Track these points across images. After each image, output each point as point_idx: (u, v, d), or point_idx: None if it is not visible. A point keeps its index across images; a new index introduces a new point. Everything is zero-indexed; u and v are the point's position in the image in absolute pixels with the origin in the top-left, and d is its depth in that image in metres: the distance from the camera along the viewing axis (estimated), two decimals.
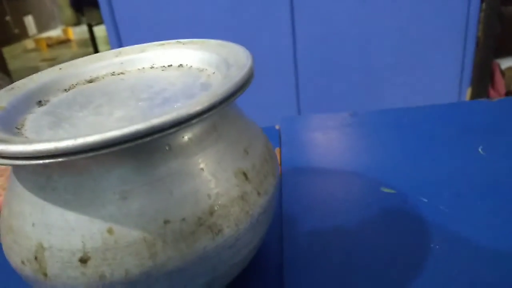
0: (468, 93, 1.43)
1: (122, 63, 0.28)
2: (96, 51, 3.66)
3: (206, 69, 0.25)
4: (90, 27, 3.48)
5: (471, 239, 0.26)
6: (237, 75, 0.20)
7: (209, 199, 0.19)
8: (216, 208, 0.19)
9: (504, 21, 1.38)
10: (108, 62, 0.28)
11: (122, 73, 0.27)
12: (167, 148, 0.18)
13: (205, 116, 0.17)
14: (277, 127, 0.45)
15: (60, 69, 0.26)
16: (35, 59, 4.01)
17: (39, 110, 0.23)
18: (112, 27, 1.36)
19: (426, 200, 0.30)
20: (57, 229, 0.17)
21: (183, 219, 0.18)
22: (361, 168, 0.35)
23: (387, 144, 0.39)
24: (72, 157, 0.15)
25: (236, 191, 0.20)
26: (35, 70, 3.69)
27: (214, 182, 0.19)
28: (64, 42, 4.54)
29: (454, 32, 1.35)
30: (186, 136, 0.19)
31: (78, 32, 4.70)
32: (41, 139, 0.16)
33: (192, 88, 0.23)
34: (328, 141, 0.41)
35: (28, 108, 0.23)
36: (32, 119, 0.22)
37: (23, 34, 4.51)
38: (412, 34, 1.35)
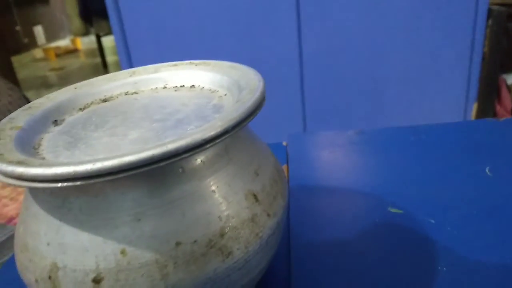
0: (474, 108, 1.43)
1: (135, 83, 0.28)
2: (104, 61, 3.69)
3: (218, 91, 0.26)
4: (98, 38, 3.52)
5: (478, 262, 0.26)
6: (249, 99, 0.20)
7: (220, 221, 0.19)
8: (227, 230, 0.19)
9: (510, 36, 1.38)
10: (122, 82, 0.28)
11: (135, 92, 0.28)
12: (180, 171, 0.19)
13: (218, 140, 0.18)
14: (284, 143, 0.46)
15: (75, 88, 0.27)
16: (44, 68, 4.06)
17: (55, 129, 0.23)
18: (121, 38, 1.38)
19: (433, 221, 0.30)
20: (72, 249, 0.18)
21: (195, 241, 0.18)
22: (368, 187, 0.36)
23: (394, 163, 0.39)
24: (90, 181, 0.15)
25: (246, 213, 0.20)
26: (44, 79, 3.73)
27: (225, 204, 0.20)
28: (72, 51, 4.59)
29: (460, 48, 1.36)
30: (199, 159, 0.19)
31: (87, 42, 4.75)
32: (59, 162, 0.16)
33: (204, 110, 0.23)
34: (335, 159, 0.41)
35: (44, 127, 0.23)
36: (49, 139, 0.22)
37: (32, 43, 4.57)
38: (419, 49, 1.36)
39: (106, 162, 0.15)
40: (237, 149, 0.22)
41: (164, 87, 0.28)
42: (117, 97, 0.27)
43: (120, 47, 1.39)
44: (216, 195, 0.20)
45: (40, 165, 0.16)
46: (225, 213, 0.19)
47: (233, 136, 0.21)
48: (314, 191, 0.36)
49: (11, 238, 0.52)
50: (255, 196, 0.21)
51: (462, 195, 0.33)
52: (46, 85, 3.43)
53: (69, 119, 0.25)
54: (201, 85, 0.27)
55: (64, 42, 4.90)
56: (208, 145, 0.17)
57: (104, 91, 0.27)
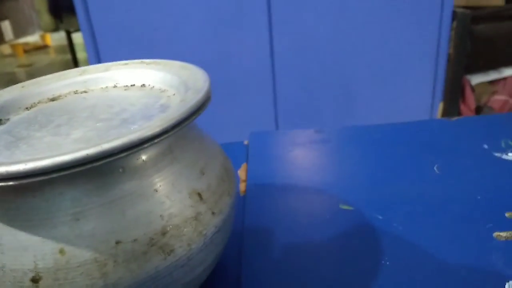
0: (440, 107, 1.47)
1: (85, 81, 0.28)
2: (74, 57, 3.61)
3: (167, 90, 0.26)
4: (68, 34, 3.44)
5: (421, 256, 0.28)
6: (192, 98, 0.21)
7: (162, 220, 0.20)
8: (168, 229, 0.20)
9: (475, 39, 1.43)
10: (71, 80, 0.28)
11: (85, 91, 0.28)
12: (120, 170, 0.19)
13: (157, 140, 0.18)
14: (245, 142, 0.46)
15: (22, 87, 0.27)
16: (11, 65, 3.94)
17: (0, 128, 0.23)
18: (89, 34, 1.36)
19: (381, 217, 0.31)
20: (10, 249, 0.18)
21: (135, 240, 0.19)
22: (322, 184, 0.37)
23: (348, 161, 0.40)
24: (23, 181, 0.16)
25: (190, 212, 0.21)
26: (11, 75, 3.62)
27: (168, 203, 0.20)
28: (41, 48, 4.47)
29: (426, 49, 1.39)
30: (141, 158, 0.20)
31: (56, 39, 4.64)
32: None
33: (151, 110, 0.24)
34: (293, 157, 0.42)
35: None
36: None
37: (0, 39, 4.43)
38: (387, 50, 1.39)
39: (39, 162, 0.16)
40: (182, 148, 0.22)
41: (115, 86, 0.28)
42: (66, 96, 0.27)
43: (89, 44, 1.36)
44: (159, 194, 0.20)
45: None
46: (167, 212, 0.20)
47: (177, 135, 0.21)
48: (271, 189, 0.37)
49: None
50: (199, 194, 0.22)
51: (410, 192, 0.34)
52: (14, 82, 3.32)
53: (14, 118, 0.25)
54: (151, 85, 0.27)
55: (33, 38, 4.77)
56: (146, 145, 0.18)
57: (53, 90, 0.27)
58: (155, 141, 0.18)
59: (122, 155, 0.17)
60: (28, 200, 0.18)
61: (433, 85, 1.43)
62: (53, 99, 0.27)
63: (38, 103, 0.27)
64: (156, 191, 0.20)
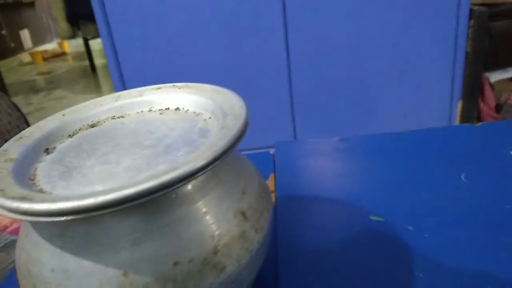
0: (459, 106, 1.46)
1: (121, 107, 0.30)
2: (92, 64, 3.68)
3: (202, 113, 0.28)
4: (86, 41, 3.51)
5: (452, 267, 0.28)
6: (235, 125, 0.22)
7: (213, 240, 0.21)
8: (219, 248, 0.21)
9: (492, 36, 1.42)
10: (108, 106, 0.30)
11: (122, 116, 0.29)
12: (173, 196, 0.20)
13: (208, 168, 0.19)
14: (271, 152, 0.47)
15: (63, 115, 0.28)
16: (31, 73, 4.03)
17: (47, 158, 0.25)
18: (108, 41, 1.38)
19: (412, 228, 0.32)
20: (75, 275, 0.19)
21: (191, 260, 0.20)
22: (351, 194, 0.38)
23: (374, 170, 0.41)
24: (92, 214, 0.17)
25: (236, 231, 0.22)
26: (31, 83, 3.70)
27: (216, 224, 0.21)
28: (59, 55, 4.56)
29: (444, 48, 1.39)
30: (190, 185, 0.21)
31: (74, 46, 4.72)
32: (62, 196, 0.18)
33: (191, 134, 0.25)
34: (320, 167, 0.43)
35: (37, 156, 0.24)
36: (43, 169, 0.23)
37: (19, 47, 4.53)
38: (404, 50, 1.39)
39: (107, 195, 0.17)
40: (225, 171, 0.23)
41: (150, 110, 0.29)
42: (104, 122, 0.29)
43: (108, 51, 1.39)
44: (207, 216, 0.21)
45: (44, 201, 0.17)
46: (217, 232, 0.21)
47: (221, 161, 0.23)
48: (300, 200, 0.38)
49: (5, 246, 0.52)
50: (243, 214, 0.23)
51: (438, 202, 0.35)
52: (34, 90, 3.41)
53: (59, 146, 0.26)
54: (186, 108, 0.29)
55: (51, 46, 4.87)
56: (199, 174, 0.19)
57: (91, 116, 0.29)
58: (207, 169, 0.19)
59: (180, 184, 0.18)
60: (91, 228, 0.19)
61: (452, 84, 1.42)
62: (92, 126, 0.28)
63: (79, 130, 0.28)
64: (205, 213, 0.21)
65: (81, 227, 0.19)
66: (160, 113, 0.29)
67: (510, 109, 1.42)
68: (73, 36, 3.58)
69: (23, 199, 0.18)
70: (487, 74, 1.48)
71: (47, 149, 0.26)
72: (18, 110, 1.24)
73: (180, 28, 1.36)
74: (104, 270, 0.19)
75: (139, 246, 0.19)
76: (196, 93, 0.29)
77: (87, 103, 0.30)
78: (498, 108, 1.45)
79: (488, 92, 1.44)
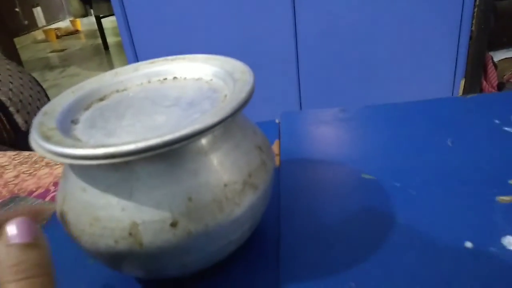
0: (461, 84, 1.48)
1: (122, 81, 0.32)
2: (104, 42, 3.70)
3: (202, 78, 0.31)
4: (98, 19, 3.53)
5: (431, 215, 0.33)
6: (247, 79, 0.27)
7: (247, 166, 0.26)
8: (252, 172, 0.26)
9: (498, 15, 1.43)
10: (110, 81, 0.32)
11: (124, 89, 0.32)
12: (216, 135, 0.26)
13: (236, 113, 0.24)
14: (277, 121, 0.51)
15: (72, 92, 0.31)
16: (45, 50, 4.07)
17: (78, 127, 0.27)
18: (122, 18, 1.41)
19: (398, 185, 0.37)
20: (147, 207, 0.23)
21: (235, 182, 0.25)
22: (347, 157, 0.42)
23: (370, 137, 0.45)
24: (161, 150, 0.21)
25: (258, 160, 0.27)
26: (46, 60, 3.74)
27: (247, 155, 0.27)
28: (72, 33, 4.59)
29: (448, 26, 1.40)
30: (232, 126, 0.27)
31: (86, 24, 4.75)
32: (127, 141, 0.21)
33: (204, 92, 0.29)
34: (321, 134, 0.48)
35: (69, 127, 0.27)
36: (83, 134, 0.26)
37: (32, 25, 4.55)
38: (409, 28, 1.40)
39: (172, 134, 0.21)
40: (243, 118, 0.29)
41: (149, 82, 0.33)
42: (111, 95, 0.31)
43: (122, 28, 1.42)
44: (240, 149, 0.27)
45: (115, 145, 0.21)
46: (248, 161, 0.27)
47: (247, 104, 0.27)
48: (302, 162, 0.42)
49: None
50: (260, 148, 0.28)
51: (424, 163, 0.39)
52: (49, 67, 3.44)
53: (82, 118, 0.29)
54: (183, 76, 0.32)
55: (63, 24, 4.89)
56: (229, 119, 0.23)
57: (97, 91, 0.31)
58: (236, 113, 0.24)
59: (224, 122, 0.23)
60: (157, 167, 0.23)
61: (455, 62, 1.44)
62: (101, 99, 0.31)
63: (91, 103, 0.31)
64: (238, 147, 0.27)
65: (147, 169, 0.23)
66: (160, 83, 0.32)
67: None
68: (85, 14, 3.59)
69: (99, 146, 0.21)
70: (491, 53, 1.50)
71: (72, 120, 0.28)
72: (38, 84, 1.28)
73: (193, 4, 1.38)
74: (173, 198, 0.23)
75: (197, 175, 0.24)
76: (189, 62, 0.32)
77: (88, 80, 0.32)
78: (501, 86, 1.47)
79: (491, 70, 1.46)
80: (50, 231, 0.22)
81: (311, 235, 0.33)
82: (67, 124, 0.27)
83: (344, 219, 0.34)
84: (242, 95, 0.25)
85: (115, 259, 0.25)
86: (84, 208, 0.24)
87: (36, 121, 0.26)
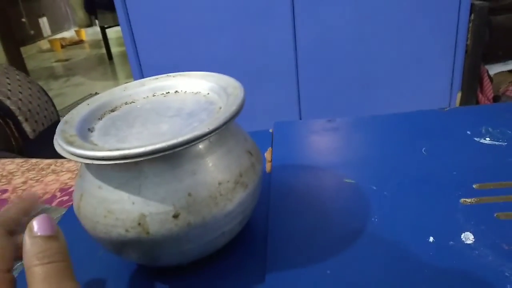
0: (458, 97, 1.53)
1: (130, 95, 0.37)
2: (108, 51, 3.78)
3: (200, 92, 0.36)
4: (103, 29, 3.62)
5: (401, 214, 0.37)
6: (238, 95, 0.31)
7: (239, 167, 0.31)
8: (242, 172, 0.31)
9: (493, 29, 1.48)
10: (119, 95, 0.37)
11: (132, 102, 0.37)
12: (210, 140, 0.30)
13: (230, 121, 0.29)
14: (270, 130, 0.56)
15: (88, 104, 0.35)
16: (50, 60, 4.15)
17: (94, 134, 0.32)
18: (127, 30, 1.47)
19: (375, 188, 0.41)
20: (153, 201, 0.28)
21: (228, 181, 0.30)
22: (331, 163, 0.46)
23: (353, 145, 0.50)
24: (165, 152, 0.26)
25: (248, 162, 0.32)
26: (50, 70, 3.82)
27: (239, 158, 0.31)
28: (77, 43, 4.68)
29: (445, 41, 1.45)
30: (226, 132, 0.31)
31: (91, 34, 4.85)
32: (137, 145, 0.26)
33: (202, 104, 0.34)
34: (309, 142, 0.52)
35: (86, 134, 0.32)
36: (99, 141, 0.31)
37: (38, 35, 4.66)
38: (407, 43, 1.45)
39: (181, 138, 0.26)
40: (235, 125, 0.33)
41: (154, 95, 0.38)
42: (121, 107, 0.36)
43: (127, 39, 1.48)
44: (233, 153, 0.31)
45: (141, 147, 0.26)
46: (240, 163, 0.32)
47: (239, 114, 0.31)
48: (291, 168, 0.47)
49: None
50: (250, 152, 0.33)
51: (400, 169, 0.43)
52: (53, 76, 3.52)
53: (97, 126, 0.33)
54: (184, 90, 0.37)
55: (68, 34, 4.99)
56: (223, 126, 0.28)
57: (109, 104, 0.36)
58: (229, 123, 0.29)
59: (218, 130, 0.28)
60: (160, 168, 0.28)
61: (451, 76, 1.49)
62: (112, 110, 0.35)
63: (104, 114, 0.35)
64: (231, 151, 0.31)
65: (153, 169, 0.28)
66: (164, 96, 0.37)
67: (507, 100, 1.49)
68: (90, 24, 3.69)
69: (115, 149, 0.26)
70: (486, 67, 1.54)
71: (89, 128, 0.33)
72: (46, 94, 1.34)
73: (195, 16, 1.44)
74: (175, 194, 0.28)
75: (196, 175, 0.29)
76: (189, 78, 0.38)
77: (101, 94, 0.37)
78: (496, 99, 1.51)
79: (486, 83, 1.51)
80: (63, 228, 0.27)
81: (295, 231, 0.37)
82: (84, 131, 0.32)
83: (325, 218, 0.38)
84: (233, 107, 0.30)
85: (125, 246, 0.29)
86: (99, 203, 0.29)
87: (59, 129, 0.31)
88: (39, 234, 0.23)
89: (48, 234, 0.24)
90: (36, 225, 0.24)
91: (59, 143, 0.29)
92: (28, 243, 0.23)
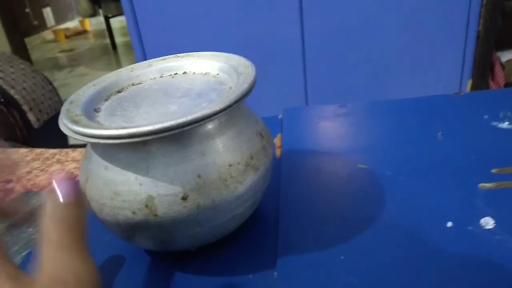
0: (469, 84, 1.50)
1: (137, 76, 0.36)
2: (112, 41, 3.76)
3: (209, 72, 0.35)
4: (107, 19, 3.59)
5: (418, 200, 0.36)
6: (249, 75, 0.30)
7: (249, 150, 0.30)
8: (253, 154, 0.30)
9: (505, 15, 1.44)
10: (126, 76, 0.36)
11: (140, 83, 0.36)
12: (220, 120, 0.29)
13: (241, 101, 0.28)
14: (280, 116, 0.55)
15: (94, 85, 0.34)
16: (54, 50, 4.14)
17: (100, 114, 0.31)
18: (132, 18, 1.45)
19: (389, 173, 0.40)
20: (162, 182, 0.27)
21: (239, 163, 0.29)
22: (344, 149, 0.45)
23: (365, 130, 0.48)
24: (174, 131, 0.25)
25: (259, 144, 0.31)
26: (54, 60, 3.81)
27: (250, 140, 0.30)
28: (81, 33, 4.66)
29: (455, 26, 1.42)
30: (236, 112, 0.30)
31: (95, 24, 4.82)
32: (146, 123, 0.25)
33: (211, 84, 0.32)
34: (320, 128, 0.51)
35: (92, 113, 0.31)
36: (105, 120, 0.30)
37: (42, 25, 4.64)
38: (416, 28, 1.42)
39: (185, 118, 0.25)
40: (246, 107, 0.32)
41: (161, 76, 0.36)
42: (128, 88, 0.35)
43: (131, 27, 1.46)
44: (243, 135, 0.30)
45: (149, 125, 0.24)
46: (250, 145, 0.30)
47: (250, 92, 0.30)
48: (302, 153, 0.46)
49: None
50: (261, 134, 0.32)
51: (415, 154, 0.42)
52: (58, 67, 3.51)
53: (103, 106, 0.32)
54: (192, 71, 0.36)
55: (72, 24, 4.97)
56: (234, 106, 0.27)
57: (115, 84, 0.35)
58: (239, 102, 0.27)
59: (228, 109, 0.26)
60: (170, 147, 0.27)
61: (462, 62, 1.46)
62: (119, 91, 0.34)
63: (111, 95, 0.34)
64: (242, 133, 0.30)
65: (161, 149, 0.27)
66: (172, 77, 0.36)
67: None
68: (93, 14, 3.66)
69: (122, 128, 0.25)
70: (498, 53, 1.51)
71: (95, 109, 0.32)
72: (50, 83, 1.33)
73: (201, 3, 1.42)
74: (184, 175, 0.27)
75: (205, 156, 0.28)
76: (197, 59, 0.36)
77: (108, 74, 0.36)
78: (508, 87, 1.48)
79: (498, 71, 1.48)
80: None
81: (307, 217, 0.36)
82: (90, 112, 0.31)
83: (338, 203, 0.37)
84: (245, 86, 0.28)
85: (132, 230, 0.28)
86: (105, 184, 0.28)
87: (64, 108, 0.30)
88: (62, 200, 0.22)
89: (70, 201, 0.23)
90: (59, 190, 0.23)
91: (64, 123, 0.27)
92: (49, 207, 0.22)
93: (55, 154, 0.90)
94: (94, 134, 0.25)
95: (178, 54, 0.38)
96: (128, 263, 0.34)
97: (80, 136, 0.26)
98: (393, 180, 0.39)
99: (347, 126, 0.50)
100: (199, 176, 0.27)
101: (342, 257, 0.31)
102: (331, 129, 0.50)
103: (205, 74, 0.35)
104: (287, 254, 0.32)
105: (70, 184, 0.23)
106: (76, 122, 0.27)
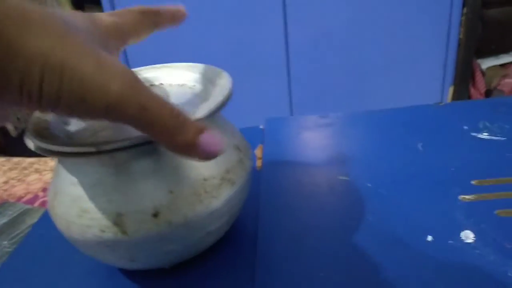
0: (450, 91, 1.52)
1: None
2: None
3: (185, 84, 0.34)
4: None
5: (397, 212, 0.35)
6: (225, 86, 0.29)
7: (225, 164, 0.29)
8: (230, 169, 0.29)
9: (485, 23, 1.47)
10: None
11: None
12: None
13: (215, 113, 0.27)
14: (261, 127, 0.54)
15: None
16: None
17: (70, 127, 0.30)
18: None
19: (370, 185, 0.39)
20: (131, 198, 0.25)
21: (214, 177, 0.28)
22: (325, 160, 0.44)
23: (346, 141, 0.48)
24: (143, 146, 0.24)
25: (236, 158, 0.30)
26: None
27: (226, 154, 0.29)
28: None
29: (437, 35, 1.44)
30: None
31: None
32: (114, 139, 0.24)
33: (187, 96, 0.32)
34: (302, 139, 0.50)
35: (60, 125, 0.29)
36: (74, 132, 0.29)
37: None
38: (398, 36, 1.44)
39: None
40: (222, 118, 0.31)
41: None
42: None
43: None
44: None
45: (117, 141, 0.23)
46: (227, 159, 0.29)
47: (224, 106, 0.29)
48: (283, 165, 0.45)
49: (21, 214, 0.59)
50: (238, 147, 0.31)
51: (395, 165, 0.42)
52: None
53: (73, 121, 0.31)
54: (168, 82, 0.35)
55: None
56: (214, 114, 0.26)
57: None
58: (214, 114, 0.27)
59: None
60: (142, 161, 0.26)
61: (444, 70, 1.48)
62: None
63: None
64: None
65: (132, 164, 0.26)
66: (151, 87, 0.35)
67: (499, 94, 1.48)
68: None
69: (85, 144, 0.24)
70: (479, 61, 1.54)
71: (64, 121, 0.30)
72: None
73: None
74: (155, 191, 0.26)
75: (178, 170, 0.26)
76: (174, 70, 0.35)
77: None
78: (488, 93, 1.50)
79: (479, 78, 1.50)
80: (40, 230, 0.25)
81: (287, 231, 0.35)
82: (59, 124, 0.29)
83: (318, 217, 0.36)
84: (219, 98, 0.28)
85: (101, 248, 0.27)
86: (73, 201, 0.27)
87: (31, 119, 0.28)
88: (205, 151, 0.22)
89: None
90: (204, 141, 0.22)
91: (27, 136, 0.26)
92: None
93: (33, 163, 0.87)
94: (57, 151, 0.24)
95: (155, 65, 0.37)
96: (100, 282, 0.33)
97: (43, 152, 0.25)
98: (373, 192, 0.38)
99: (328, 137, 0.50)
100: (171, 192, 0.26)
101: (321, 274, 0.30)
102: (312, 140, 0.50)
103: (181, 86, 0.34)
104: (266, 271, 0.31)
105: (214, 140, 0.23)
106: (40, 136, 0.26)
